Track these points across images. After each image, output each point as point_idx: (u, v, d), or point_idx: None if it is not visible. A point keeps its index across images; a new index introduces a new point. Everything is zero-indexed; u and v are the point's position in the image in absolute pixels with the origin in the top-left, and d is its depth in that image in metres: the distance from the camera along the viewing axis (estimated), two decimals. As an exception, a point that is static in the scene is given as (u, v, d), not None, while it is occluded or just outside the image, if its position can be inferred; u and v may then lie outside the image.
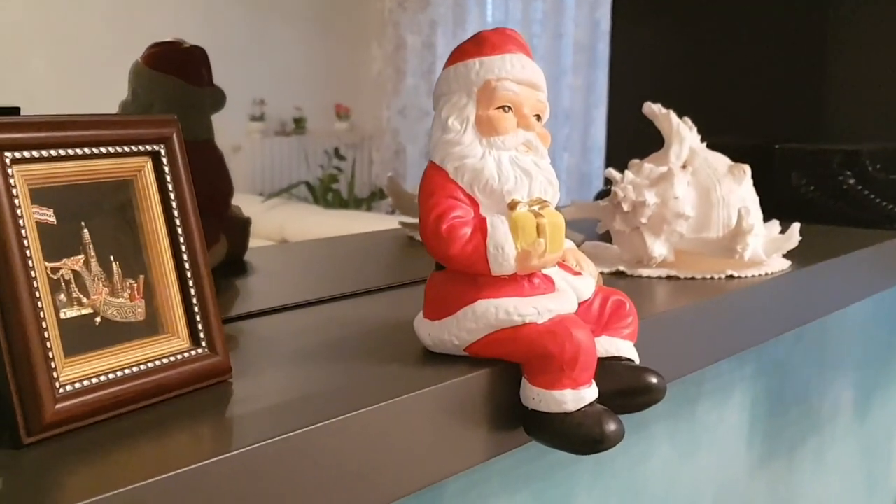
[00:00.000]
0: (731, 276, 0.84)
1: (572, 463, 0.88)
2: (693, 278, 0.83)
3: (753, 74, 1.45)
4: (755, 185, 0.90)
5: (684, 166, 0.84)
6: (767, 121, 1.43)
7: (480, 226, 0.52)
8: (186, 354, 0.48)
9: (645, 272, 0.84)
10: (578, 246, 0.97)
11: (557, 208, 0.57)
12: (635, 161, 0.86)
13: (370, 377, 0.53)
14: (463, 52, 0.56)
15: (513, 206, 0.53)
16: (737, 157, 0.91)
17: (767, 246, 0.84)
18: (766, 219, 0.91)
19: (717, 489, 1.17)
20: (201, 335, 0.48)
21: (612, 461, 0.97)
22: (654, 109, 0.85)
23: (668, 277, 0.84)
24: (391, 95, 3.76)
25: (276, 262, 0.92)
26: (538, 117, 0.56)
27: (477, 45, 0.56)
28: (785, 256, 0.90)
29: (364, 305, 0.73)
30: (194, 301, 0.48)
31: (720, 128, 1.32)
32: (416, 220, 0.81)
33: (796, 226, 0.85)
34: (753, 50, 1.46)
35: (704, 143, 0.88)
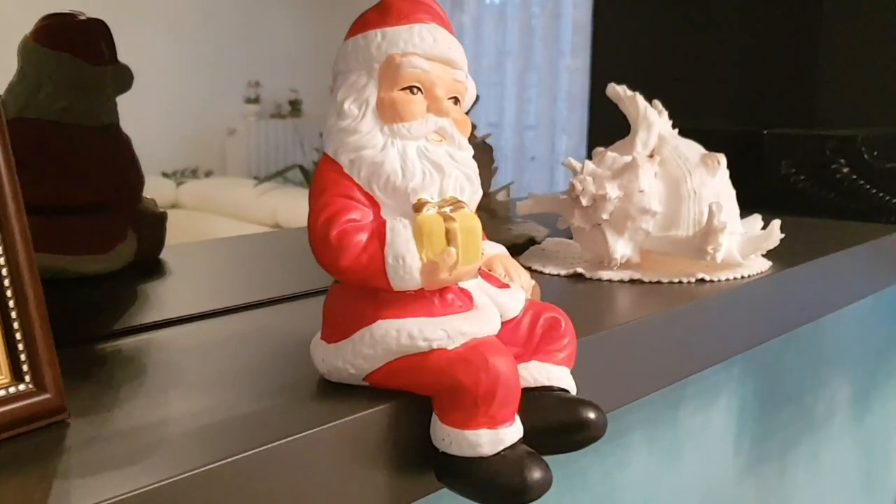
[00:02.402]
0: (703, 280, 0.75)
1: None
2: (659, 282, 0.74)
3: (741, 55, 1.37)
4: (741, 173, 0.81)
5: (651, 155, 0.74)
6: (756, 104, 1.36)
7: (378, 231, 0.43)
8: (4, 392, 0.39)
9: (606, 275, 0.75)
10: (539, 242, 0.89)
11: (480, 208, 0.48)
12: (599, 149, 0.77)
13: (249, 414, 0.44)
14: (364, 23, 0.47)
15: (419, 207, 0.44)
16: (723, 143, 0.82)
17: (744, 245, 0.75)
18: (753, 211, 0.82)
19: (702, 498, 1.10)
20: (24, 367, 0.39)
21: (583, 473, 0.89)
22: (618, 92, 0.76)
23: (632, 281, 0.74)
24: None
25: (198, 261, 0.83)
26: (456, 100, 0.47)
27: (380, 14, 0.47)
28: (765, 256, 0.81)
29: (280, 314, 0.65)
30: (16, 326, 0.39)
31: (705, 112, 1.24)
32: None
33: (776, 222, 0.76)
34: (741, 29, 1.38)
35: (676, 130, 0.79)
